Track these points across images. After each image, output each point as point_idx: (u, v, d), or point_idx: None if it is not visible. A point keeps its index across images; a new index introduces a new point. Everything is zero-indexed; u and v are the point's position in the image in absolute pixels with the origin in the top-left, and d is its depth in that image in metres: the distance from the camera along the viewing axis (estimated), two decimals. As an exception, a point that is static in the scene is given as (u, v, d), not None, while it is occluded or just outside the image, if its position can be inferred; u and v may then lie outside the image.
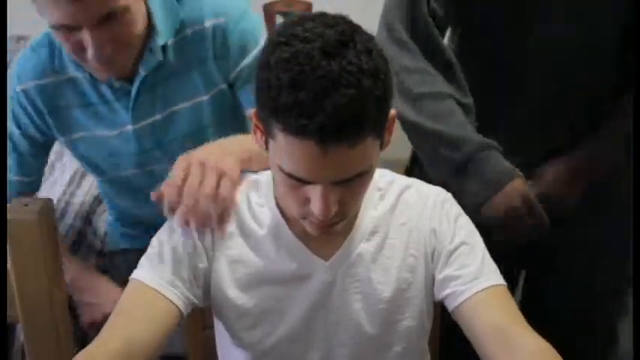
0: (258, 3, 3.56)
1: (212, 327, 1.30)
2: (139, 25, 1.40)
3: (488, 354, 1.13)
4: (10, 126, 1.57)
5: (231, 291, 1.21)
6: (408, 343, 1.24)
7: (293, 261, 1.20)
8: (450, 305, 1.19)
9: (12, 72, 1.54)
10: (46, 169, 1.71)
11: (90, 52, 1.32)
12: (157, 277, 1.16)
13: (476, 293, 1.16)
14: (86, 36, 1.31)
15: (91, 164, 1.63)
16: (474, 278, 1.18)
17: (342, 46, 1.00)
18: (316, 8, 3.50)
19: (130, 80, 1.48)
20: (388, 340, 1.23)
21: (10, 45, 3.14)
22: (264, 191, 1.23)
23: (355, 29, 1.04)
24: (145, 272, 1.18)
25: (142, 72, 1.47)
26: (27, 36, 3.44)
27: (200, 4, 1.49)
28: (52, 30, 1.34)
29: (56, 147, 1.74)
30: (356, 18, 1.09)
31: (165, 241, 1.20)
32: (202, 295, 1.21)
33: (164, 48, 1.47)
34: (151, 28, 1.44)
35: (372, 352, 1.23)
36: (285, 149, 1.03)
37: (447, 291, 1.19)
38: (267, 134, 1.06)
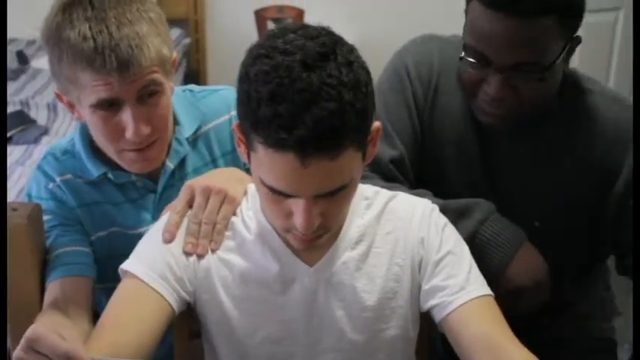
0: (250, 9, 3.57)
1: (200, 336, 1.30)
2: (170, 115, 1.42)
3: None
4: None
5: (216, 291, 1.21)
6: (393, 351, 1.24)
7: (277, 263, 1.20)
8: (437, 316, 1.20)
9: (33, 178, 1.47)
10: None
11: (130, 130, 1.32)
12: (148, 269, 1.18)
13: (463, 304, 1.17)
14: (126, 114, 1.31)
15: (106, 267, 1.47)
16: (461, 289, 1.18)
17: (322, 59, 1.00)
18: (308, 14, 3.51)
19: (153, 179, 1.47)
20: (373, 348, 1.23)
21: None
22: (252, 202, 1.24)
23: (337, 41, 1.04)
24: (135, 264, 1.19)
25: (170, 165, 1.45)
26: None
27: (215, 100, 1.52)
28: (91, 112, 1.33)
29: None
30: (345, 26, 1.09)
31: (154, 239, 1.22)
32: (192, 291, 1.21)
33: (188, 141, 1.48)
34: (174, 122, 1.46)
35: (357, 359, 1.23)
36: (266, 162, 1.03)
37: (434, 302, 1.20)
38: (249, 147, 1.07)
